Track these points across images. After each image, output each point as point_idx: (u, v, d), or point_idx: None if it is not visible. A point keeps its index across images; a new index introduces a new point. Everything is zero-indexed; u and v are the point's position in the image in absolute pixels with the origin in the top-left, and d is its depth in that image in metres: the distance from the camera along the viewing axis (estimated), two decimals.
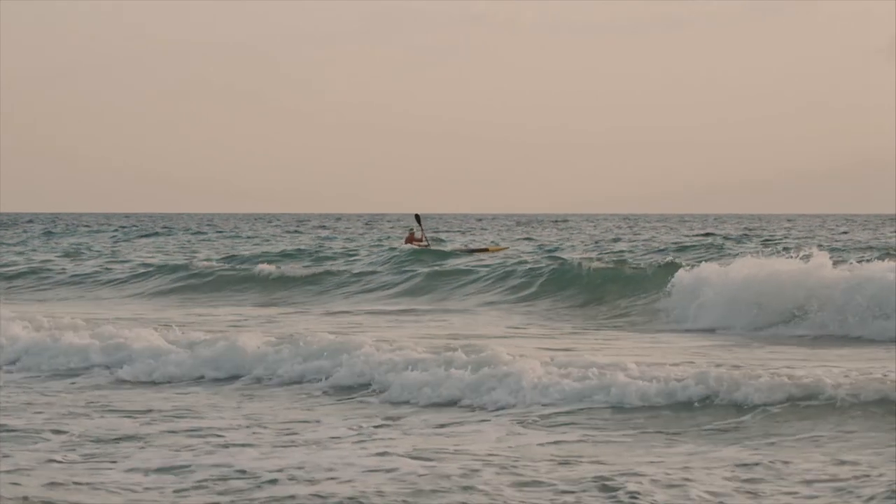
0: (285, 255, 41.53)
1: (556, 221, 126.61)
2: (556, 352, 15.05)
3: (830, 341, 17.40)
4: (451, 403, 11.88)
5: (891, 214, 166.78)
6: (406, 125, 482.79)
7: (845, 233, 70.65)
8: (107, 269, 35.73)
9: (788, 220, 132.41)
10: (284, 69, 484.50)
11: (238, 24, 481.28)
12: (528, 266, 28.44)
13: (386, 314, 22.87)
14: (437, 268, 30.51)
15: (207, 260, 38.35)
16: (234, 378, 13.91)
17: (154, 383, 13.83)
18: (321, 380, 13.34)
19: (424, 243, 42.18)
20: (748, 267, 20.30)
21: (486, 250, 42.96)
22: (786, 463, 8.89)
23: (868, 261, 19.70)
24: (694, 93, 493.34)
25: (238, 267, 33.90)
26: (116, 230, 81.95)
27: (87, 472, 8.93)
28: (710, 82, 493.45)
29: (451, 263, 32.28)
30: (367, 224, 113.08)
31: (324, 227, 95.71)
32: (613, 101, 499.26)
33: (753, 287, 19.52)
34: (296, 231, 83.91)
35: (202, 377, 14.02)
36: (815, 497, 8.03)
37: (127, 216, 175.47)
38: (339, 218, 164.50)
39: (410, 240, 42.98)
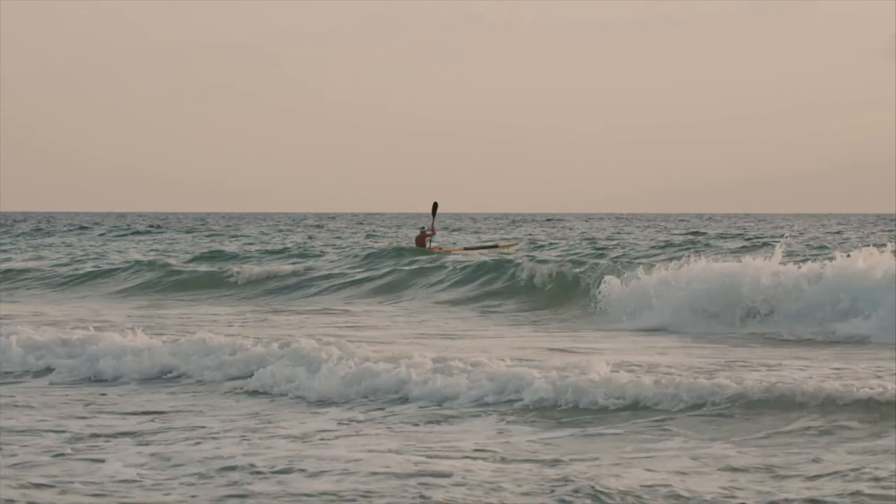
0: (269, 253, 41.49)
1: (551, 220, 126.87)
2: (519, 350, 15.18)
3: (779, 341, 17.39)
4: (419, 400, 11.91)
5: (891, 214, 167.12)
6: (404, 125, 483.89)
7: (839, 233, 70.68)
8: (85, 267, 35.70)
9: (784, 220, 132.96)
10: (283, 69, 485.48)
11: (236, 23, 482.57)
12: (494, 264, 28.68)
13: (361, 313, 22.94)
14: (414, 265, 30.59)
15: (187, 260, 38.16)
16: (204, 376, 13.84)
17: (145, 382, 13.75)
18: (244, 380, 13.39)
19: (427, 245, 37.94)
20: (691, 268, 20.34)
21: (496, 246, 43.26)
22: (777, 460, 8.93)
23: (830, 260, 19.70)
24: (694, 92, 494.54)
25: (216, 265, 33.97)
26: (108, 229, 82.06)
27: (85, 468, 8.98)
28: (710, 82, 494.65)
29: (425, 260, 32.32)
30: (359, 223, 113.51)
31: (318, 227, 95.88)
32: (612, 101, 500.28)
33: (693, 288, 19.58)
34: (288, 230, 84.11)
35: (180, 375, 13.96)
36: (811, 493, 8.04)
37: (123, 215, 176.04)
38: (334, 217, 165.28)
39: (421, 240, 38.30)
